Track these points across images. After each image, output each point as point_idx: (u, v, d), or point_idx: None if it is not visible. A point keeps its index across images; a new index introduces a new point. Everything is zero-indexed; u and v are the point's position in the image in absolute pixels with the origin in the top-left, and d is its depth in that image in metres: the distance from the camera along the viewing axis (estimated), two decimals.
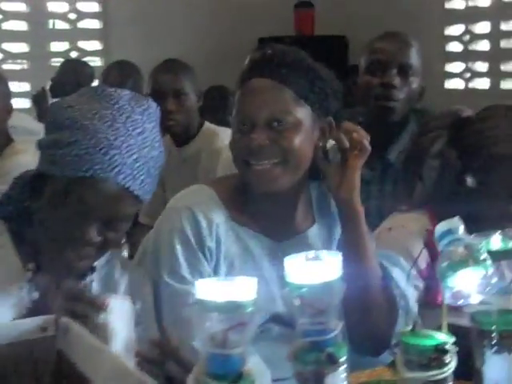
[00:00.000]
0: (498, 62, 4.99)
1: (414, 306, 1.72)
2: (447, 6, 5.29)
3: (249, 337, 1.07)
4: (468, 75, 5.22)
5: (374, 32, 5.72)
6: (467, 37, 5.19)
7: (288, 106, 1.61)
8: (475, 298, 1.20)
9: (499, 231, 1.27)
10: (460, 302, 1.20)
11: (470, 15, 5.17)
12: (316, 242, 1.72)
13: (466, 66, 5.22)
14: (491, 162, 1.73)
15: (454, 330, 1.24)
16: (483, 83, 5.16)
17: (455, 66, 5.30)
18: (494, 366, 1.28)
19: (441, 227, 1.25)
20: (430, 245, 1.71)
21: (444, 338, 1.20)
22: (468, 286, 1.19)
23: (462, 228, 1.24)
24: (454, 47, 5.27)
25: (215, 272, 1.64)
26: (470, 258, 1.18)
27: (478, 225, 1.68)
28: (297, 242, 1.69)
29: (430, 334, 1.21)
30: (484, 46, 5.12)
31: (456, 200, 1.76)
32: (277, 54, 1.67)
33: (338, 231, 1.74)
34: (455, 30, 5.27)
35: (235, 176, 1.74)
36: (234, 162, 1.68)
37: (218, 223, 1.65)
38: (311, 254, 1.17)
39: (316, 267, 1.13)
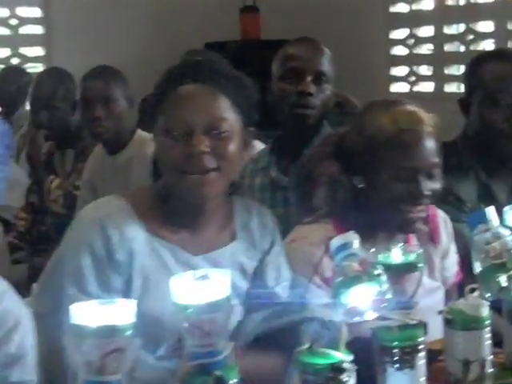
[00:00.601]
0: (441, 66, 5.00)
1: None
2: (391, 9, 5.30)
3: (128, 362, 1.03)
4: (413, 79, 5.23)
5: (319, 36, 5.73)
6: (411, 40, 5.20)
7: (224, 113, 1.58)
8: (370, 315, 1.17)
9: (400, 244, 1.24)
10: (355, 319, 1.16)
11: (414, 19, 5.17)
12: (234, 258, 1.67)
13: (411, 70, 5.23)
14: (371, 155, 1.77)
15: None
16: (428, 87, 5.18)
17: (400, 70, 5.31)
18: (396, 382, 1.25)
19: (336, 241, 1.22)
20: None
21: (341, 356, 1.16)
22: (362, 302, 1.15)
23: (357, 242, 1.21)
24: (399, 51, 5.28)
25: (128, 286, 1.59)
26: (364, 274, 1.14)
27: (376, 229, 1.78)
28: (213, 257, 1.65)
29: (327, 352, 1.17)
30: (428, 49, 5.14)
31: (353, 205, 1.79)
32: (208, 61, 1.66)
33: (260, 249, 1.70)
34: (400, 33, 5.27)
35: (152, 187, 1.69)
36: (164, 170, 1.62)
37: (132, 236, 1.60)
38: (200, 272, 1.13)
39: (202, 287, 1.09)
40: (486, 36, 4.82)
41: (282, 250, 1.74)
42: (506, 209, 1.48)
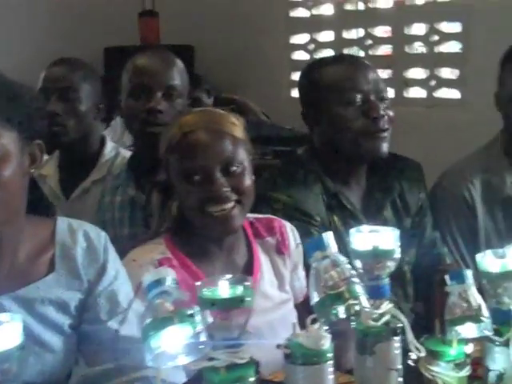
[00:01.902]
0: None
1: None
2: (292, 14, 5.23)
3: None
4: None
5: (220, 41, 5.65)
6: (312, 45, 5.14)
7: None
8: (183, 360, 1.06)
9: (228, 276, 1.13)
10: (165, 365, 1.05)
11: (315, 24, 5.12)
12: (52, 293, 1.51)
13: None
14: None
15: None
16: None
17: None
18: None
19: (148, 278, 1.11)
20: None
21: None
22: (173, 346, 1.04)
23: (170, 278, 1.09)
24: (300, 56, 5.21)
25: None
26: (176, 315, 1.03)
27: (208, 243, 1.78)
28: (23, 295, 1.49)
29: None
30: (328, 54, 5.08)
31: (181, 222, 1.77)
32: None
33: (87, 278, 1.56)
34: (300, 38, 5.21)
35: None
36: None
37: None
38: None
39: None
40: (384, 41, 4.79)
41: (120, 275, 1.60)
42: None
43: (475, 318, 1.43)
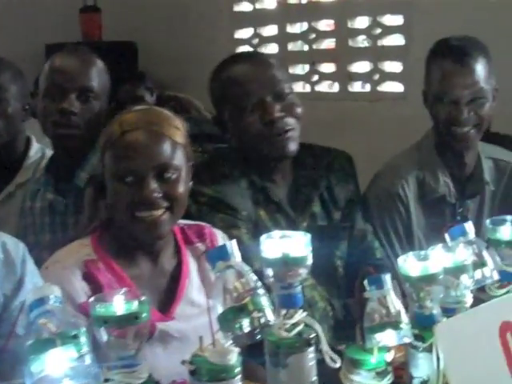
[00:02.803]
0: (286, 65, 4.89)
1: None
2: (236, 8, 5.16)
3: None
4: None
5: (164, 37, 5.56)
6: (256, 40, 5.08)
7: None
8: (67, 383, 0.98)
9: (122, 291, 1.06)
10: None
11: (258, 18, 5.06)
12: None
13: None
14: None
15: None
16: None
17: None
18: None
19: (31, 296, 1.03)
20: (90, 275, 1.61)
21: None
22: (57, 369, 0.97)
23: (54, 297, 1.02)
24: (245, 50, 5.14)
25: None
26: (58, 336, 0.95)
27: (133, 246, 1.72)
28: None
29: None
30: (273, 49, 5.03)
31: (109, 225, 1.72)
32: None
33: (3, 292, 1.49)
34: (244, 33, 5.14)
35: None
36: None
37: None
38: None
39: None
40: (327, 35, 4.74)
41: (39, 284, 1.52)
42: None
43: (394, 324, 1.38)
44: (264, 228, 1.99)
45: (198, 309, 1.72)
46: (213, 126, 4.37)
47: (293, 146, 2.05)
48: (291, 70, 4.85)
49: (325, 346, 1.29)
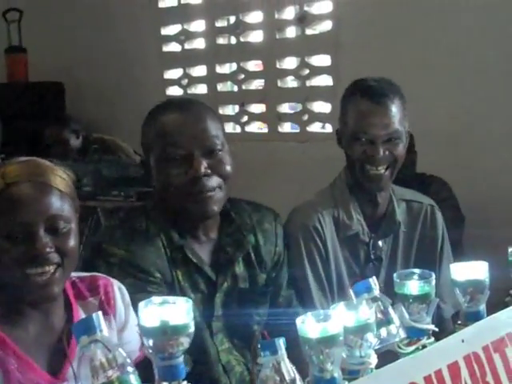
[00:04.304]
0: (216, 105, 4.84)
1: None
2: (165, 49, 5.10)
3: None
4: None
5: (92, 77, 5.48)
6: (186, 80, 5.02)
7: None
8: None
9: None
10: None
11: (188, 58, 5.01)
12: None
13: None
14: None
15: None
16: None
17: None
18: None
19: None
20: None
21: None
22: None
23: None
24: (174, 91, 5.09)
25: None
26: None
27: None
28: None
29: None
30: (202, 89, 4.98)
31: None
32: None
33: None
34: (174, 73, 5.09)
35: None
36: None
37: None
38: None
39: None
40: (256, 75, 4.71)
41: None
42: None
43: None
44: (181, 290, 1.89)
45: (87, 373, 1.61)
46: (139, 169, 4.32)
47: (214, 207, 1.91)
48: (221, 111, 4.81)
49: None
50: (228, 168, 1.94)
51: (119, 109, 5.24)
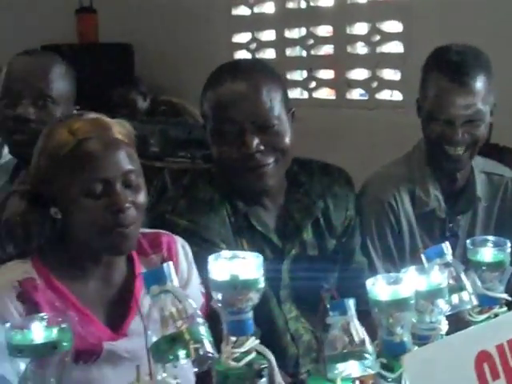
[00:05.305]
0: (284, 71, 4.79)
1: None
2: (234, 12, 5.06)
3: None
4: None
5: (161, 40, 5.48)
6: (254, 45, 4.98)
7: None
8: None
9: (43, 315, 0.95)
10: None
11: (256, 22, 4.95)
12: None
13: None
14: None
15: None
16: None
17: None
18: None
19: None
20: (25, 295, 1.49)
21: None
22: None
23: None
24: (242, 55, 5.04)
25: None
26: None
27: (84, 261, 1.60)
28: None
29: None
30: (270, 54, 4.93)
31: (54, 240, 1.59)
32: None
33: None
34: (242, 37, 5.04)
35: None
36: None
37: None
38: None
39: None
40: (325, 41, 4.64)
41: None
42: None
43: (358, 354, 1.26)
44: None
45: (154, 325, 1.60)
46: (203, 131, 4.31)
47: (269, 182, 1.87)
48: (289, 76, 4.75)
49: (277, 378, 1.18)
50: (285, 141, 1.88)
51: (186, 72, 5.22)
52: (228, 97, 1.84)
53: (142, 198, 1.57)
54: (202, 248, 1.76)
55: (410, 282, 1.37)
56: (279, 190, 1.95)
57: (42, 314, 0.99)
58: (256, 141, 1.83)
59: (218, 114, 1.85)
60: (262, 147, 1.83)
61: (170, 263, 1.12)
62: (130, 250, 1.60)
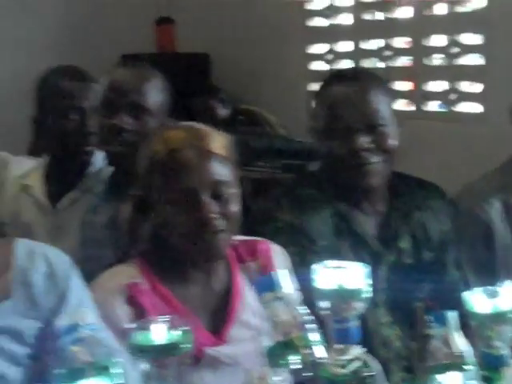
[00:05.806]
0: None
1: None
2: (309, 23, 5.10)
3: None
4: None
5: (237, 49, 5.55)
6: (331, 56, 5.01)
7: None
8: None
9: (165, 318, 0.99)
10: None
11: (333, 33, 4.98)
12: (4, 321, 1.40)
13: None
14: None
15: None
16: None
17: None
18: None
19: (65, 319, 0.97)
20: (133, 299, 1.55)
21: None
22: None
23: (90, 322, 0.96)
24: (318, 66, 5.07)
25: None
26: (91, 366, 0.89)
27: (182, 263, 1.65)
28: None
29: None
30: (347, 65, 4.94)
31: (155, 242, 1.66)
32: None
33: (46, 307, 1.44)
34: (318, 48, 5.07)
35: None
36: None
37: None
38: None
39: None
40: (403, 52, 4.63)
41: (85, 304, 1.48)
42: None
43: (458, 366, 1.27)
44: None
45: (251, 332, 1.64)
46: (285, 141, 4.34)
47: (373, 180, 1.91)
48: None
49: None
50: (390, 142, 1.93)
51: (262, 82, 5.29)
52: (340, 97, 1.93)
53: (232, 208, 1.61)
54: (302, 246, 1.81)
55: (509, 295, 1.37)
56: (380, 198, 1.99)
57: (165, 316, 1.03)
58: (364, 139, 1.88)
59: (330, 113, 1.92)
60: (368, 145, 1.89)
61: (285, 271, 1.15)
62: (219, 257, 1.64)
